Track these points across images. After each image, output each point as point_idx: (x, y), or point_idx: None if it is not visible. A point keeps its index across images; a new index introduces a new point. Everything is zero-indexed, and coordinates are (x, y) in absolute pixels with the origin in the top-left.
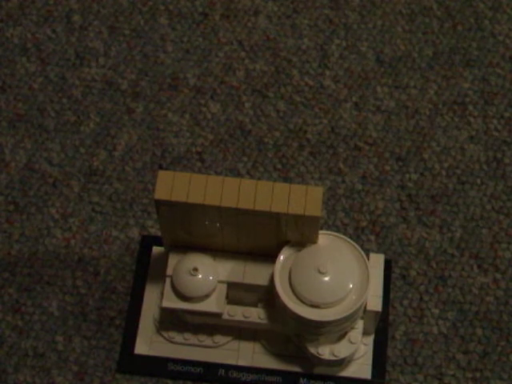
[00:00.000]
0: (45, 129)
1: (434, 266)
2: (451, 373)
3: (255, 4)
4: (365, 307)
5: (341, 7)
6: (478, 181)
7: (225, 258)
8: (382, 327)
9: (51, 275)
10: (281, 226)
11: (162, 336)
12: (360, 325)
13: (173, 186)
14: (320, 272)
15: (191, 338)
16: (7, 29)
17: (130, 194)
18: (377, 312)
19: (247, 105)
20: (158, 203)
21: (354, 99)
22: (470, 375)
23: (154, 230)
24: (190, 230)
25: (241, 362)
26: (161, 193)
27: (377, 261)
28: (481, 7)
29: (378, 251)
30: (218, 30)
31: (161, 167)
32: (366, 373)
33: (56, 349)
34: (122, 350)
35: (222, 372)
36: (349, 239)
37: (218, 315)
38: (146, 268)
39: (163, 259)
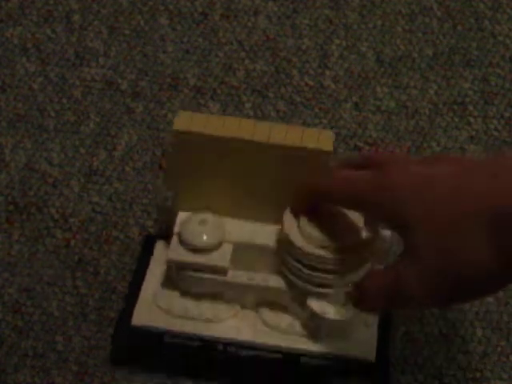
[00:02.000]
0: (45, 129)
1: None
2: (451, 373)
3: (255, 4)
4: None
5: (341, 7)
6: None
7: (233, 219)
8: (385, 315)
9: (51, 275)
10: (293, 168)
11: (161, 308)
12: (367, 266)
13: (191, 120)
14: (333, 215)
15: (191, 311)
16: (7, 29)
17: (130, 194)
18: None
19: (247, 105)
20: (177, 136)
21: (353, 99)
22: (470, 375)
23: (154, 230)
24: (199, 182)
25: (241, 338)
26: (180, 124)
27: None
28: (481, 7)
29: None
30: (217, 30)
31: (161, 167)
32: (369, 354)
33: (56, 349)
34: (119, 321)
35: (220, 347)
36: None
37: (223, 272)
38: (148, 261)
39: (166, 251)
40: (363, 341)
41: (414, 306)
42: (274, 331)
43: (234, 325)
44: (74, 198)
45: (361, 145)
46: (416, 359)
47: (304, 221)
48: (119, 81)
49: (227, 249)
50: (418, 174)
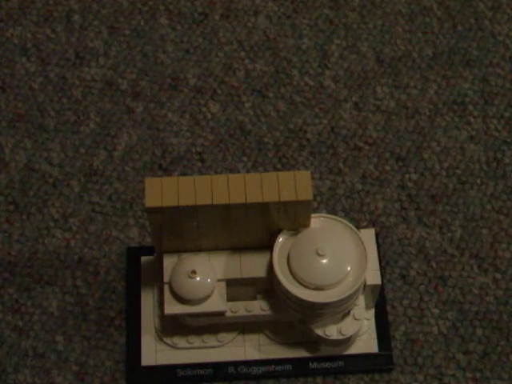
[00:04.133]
0: (45, 129)
1: (434, 265)
2: (451, 373)
3: (255, 4)
4: (365, 282)
5: (341, 7)
6: (478, 181)
7: (219, 255)
8: (379, 300)
9: (51, 275)
10: (273, 216)
11: (166, 344)
12: (361, 300)
13: (162, 191)
14: (319, 254)
15: (195, 340)
16: (7, 29)
17: (130, 194)
18: (377, 285)
19: (247, 105)
20: (151, 211)
21: (353, 99)
22: (470, 375)
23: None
24: (182, 233)
25: (248, 357)
26: (151, 200)
27: (368, 235)
28: (481, 7)
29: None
30: (217, 30)
31: (161, 167)
32: (372, 347)
33: (56, 349)
34: (129, 363)
35: (231, 369)
36: (340, 218)
37: (221, 314)
38: (137, 280)
39: (153, 268)
40: (365, 335)
41: None
42: (279, 343)
43: (238, 345)
44: (73, 198)
45: (361, 145)
46: (416, 359)
47: (295, 263)
48: (119, 81)
49: (221, 290)
50: None
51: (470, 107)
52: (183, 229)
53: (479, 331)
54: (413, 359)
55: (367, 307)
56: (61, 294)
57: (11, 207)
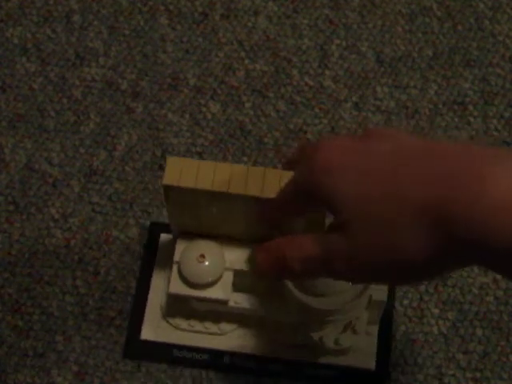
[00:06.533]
0: (45, 129)
1: None
2: (451, 373)
3: (255, 4)
4: (370, 297)
5: (341, 7)
6: None
7: (232, 245)
8: (386, 321)
9: (51, 275)
10: None
11: (168, 322)
12: (365, 315)
13: (181, 172)
14: None
15: (197, 324)
16: (7, 29)
17: (130, 194)
18: (382, 302)
19: (247, 105)
20: (167, 189)
21: (354, 99)
22: (469, 375)
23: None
24: (197, 216)
25: (246, 350)
26: (169, 178)
27: None
28: (481, 7)
29: None
30: (217, 30)
31: (161, 167)
32: (369, 363)
33: (56, 349)
34: (129, 335)
35: (227, 359)
36: None
37: (224, 302)
38: (153, 255)
39: (171, 246)
40: (364, 350)
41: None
42: (278, 343)
43: (238, 337)
44: (74, 198)
45: None
46: (416, 359)
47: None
48: (119, 81)
49: (228, 279)
50: (351, 151)
51: (470, 107)
52: (199, 212)
53: (479, 331)
54: (413, 359)
55: (371, 323)
56: (61, 294)
57: (11, 207)
